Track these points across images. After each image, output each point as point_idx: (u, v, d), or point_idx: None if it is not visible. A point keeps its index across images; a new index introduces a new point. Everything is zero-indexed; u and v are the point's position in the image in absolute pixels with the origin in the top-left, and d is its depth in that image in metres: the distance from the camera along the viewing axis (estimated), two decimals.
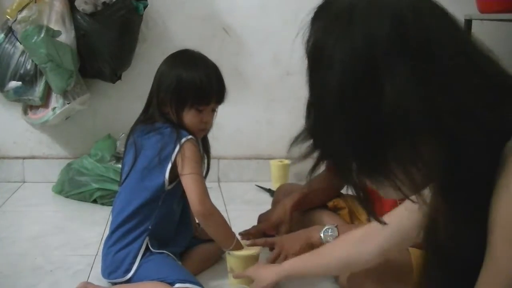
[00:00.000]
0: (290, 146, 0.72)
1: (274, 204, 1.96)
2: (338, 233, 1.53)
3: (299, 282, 1.63)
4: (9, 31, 2.41)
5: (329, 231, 1.54)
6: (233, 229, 1.64)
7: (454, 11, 0.72)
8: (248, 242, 1.67)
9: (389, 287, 1.38)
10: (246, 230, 1.80)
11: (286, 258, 1.54)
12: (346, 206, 1.78)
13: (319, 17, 0.71)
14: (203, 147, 1.69)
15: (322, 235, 1.54)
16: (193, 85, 1.56)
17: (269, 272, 1.43)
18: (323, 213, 1.77)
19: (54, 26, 2.31)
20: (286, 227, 1.74)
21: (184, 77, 1.56)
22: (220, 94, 1.62)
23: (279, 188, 2.05)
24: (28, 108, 2.54)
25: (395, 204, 1.39)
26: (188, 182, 1.55)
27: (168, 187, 1.57)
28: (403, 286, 1.39)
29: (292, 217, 1.75)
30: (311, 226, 1.73)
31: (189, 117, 1.59)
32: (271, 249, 1.69)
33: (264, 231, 1.79)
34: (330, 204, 1.80)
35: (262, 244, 1.65)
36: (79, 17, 2.37)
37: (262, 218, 1.87)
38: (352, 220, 1.76)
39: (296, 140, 0.72)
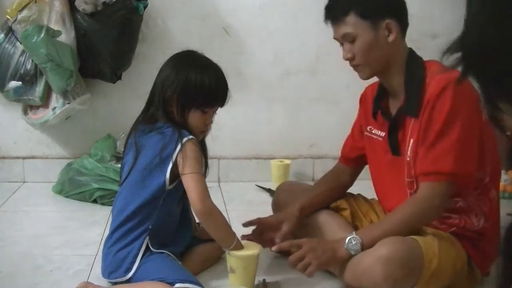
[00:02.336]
0: (442, 56, 0.70)
1: (274, 202, 1.96)
2: (361, 241, 1.49)
3: (299, 282, 1.63)
4: (9, 31, 2.41)
5: (352, 241, 1.50)
6: (233, 229, 1.64)
7: None
8: (274, 248, 1.62)
9: (398, 277, 1.38)
10: (248, 221, 1.79)
11: (309, 265, 1.51)
12: (348, 207, 1.78)
13: None
14: (201, 148, 1.69)
15: (346, 247, 1.50)
16: (203, 88, 1.57)
17: None
18: (326, 213, 1.76)
19: (54, 26, 2.32)
20: (288, 226, 1.72)
21: (194, 79, 1.57)
22: (225, 97, 1.64)
23: (279, 187, 2.04)
24: (28, 108, 2.54)
25: None
26: (189, 181, 1.55)
27: (168, 187, 1.57)
28: (412, 277, 1.41)
29: (299, 219, 1.74)
30: (315, 226, 1.73)
31: (194, 118, 1.60)
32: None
33: (264, 225, 1.77)
34: (333, 205, 1.80)
35: (287, 247, 1.58)
36: (79, 17, 2.37)
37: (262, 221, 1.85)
38: (354, 221, 1.76)
39: (448, 51, 0.70)
